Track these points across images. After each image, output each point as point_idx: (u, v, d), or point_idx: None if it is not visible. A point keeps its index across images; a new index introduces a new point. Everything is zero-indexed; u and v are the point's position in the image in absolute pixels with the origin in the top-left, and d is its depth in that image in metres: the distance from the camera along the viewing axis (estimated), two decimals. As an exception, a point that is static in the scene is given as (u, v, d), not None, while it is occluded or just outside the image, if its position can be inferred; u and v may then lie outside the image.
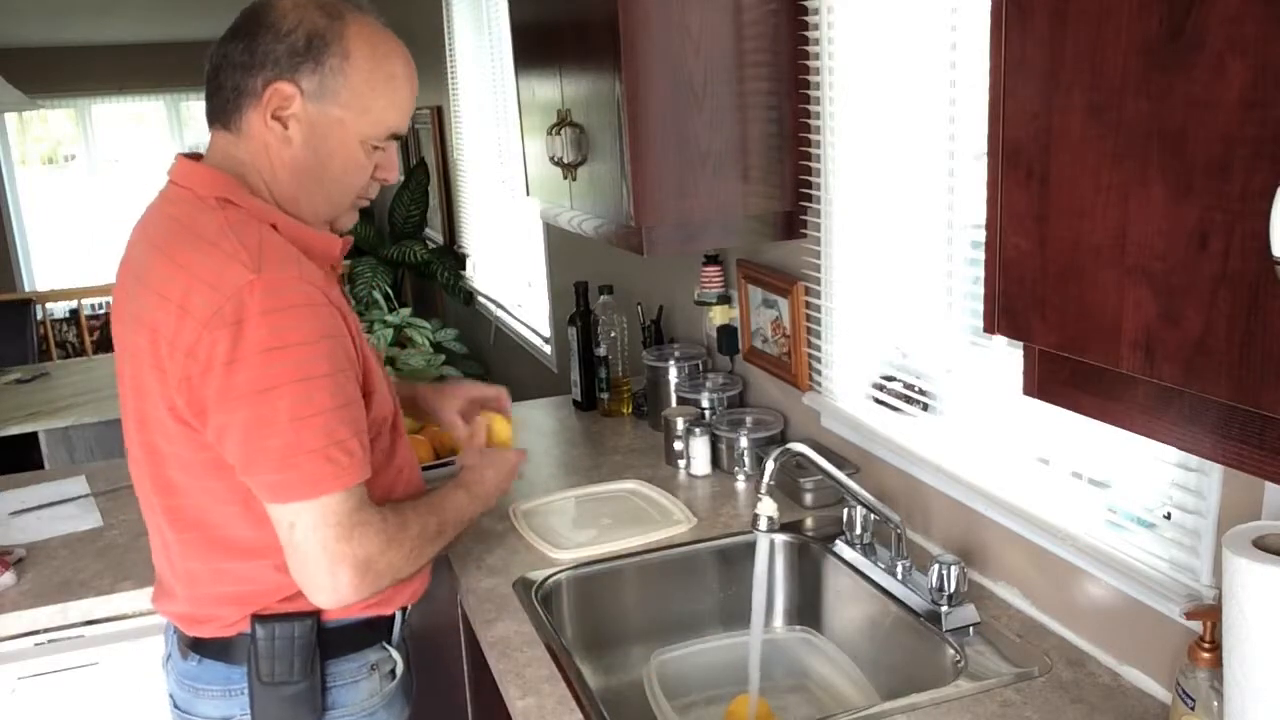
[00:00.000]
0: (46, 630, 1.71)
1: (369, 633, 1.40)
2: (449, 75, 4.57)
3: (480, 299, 4.69)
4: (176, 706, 1.40)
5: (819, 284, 1.90)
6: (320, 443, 1.18)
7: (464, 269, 4.93)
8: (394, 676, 1.44)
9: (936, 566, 1.46)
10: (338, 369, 1.20)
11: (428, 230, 5.50)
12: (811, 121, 1.84)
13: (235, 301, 1.15)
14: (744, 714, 1.50)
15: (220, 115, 1.30)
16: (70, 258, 8.16)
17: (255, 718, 1.32)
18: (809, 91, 1.82)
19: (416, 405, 1.75)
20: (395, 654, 1.44)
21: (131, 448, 1.35)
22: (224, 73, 1.27)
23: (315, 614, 1.32)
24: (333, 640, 1.35)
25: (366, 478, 1.24)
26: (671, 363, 2.28)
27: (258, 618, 1.31)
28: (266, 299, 1.16)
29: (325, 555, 1.20)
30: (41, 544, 1.91)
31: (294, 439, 1.17)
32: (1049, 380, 0.93)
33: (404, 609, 1.44)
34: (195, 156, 1.33)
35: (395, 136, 1.34)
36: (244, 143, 1.29)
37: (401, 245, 5.30)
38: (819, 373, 1.96)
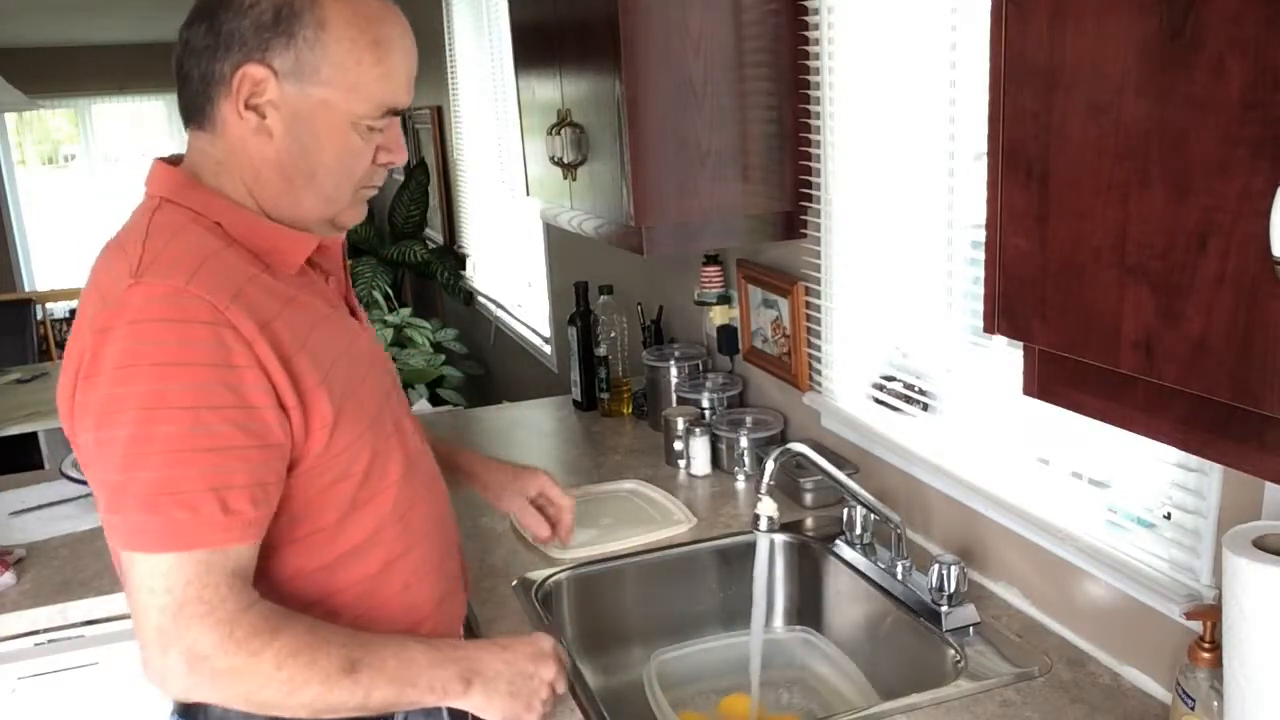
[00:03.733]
0: (46, 630, 1.71)
1: None
2: (449, 75, 4.57)
3: (480, 299, 4.69)
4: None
5: (819, 284, 1.90)
6: (148, 490, 0.97)
7: (464, 269, 4.92)
8: None
9: (936, 566, 1.46)
10: (205, 404, 0.98)
11: (428, 230, 5.50)
12: (811, 121, 1.84)
13: (110, 310, 0.99)
14: (736, 712, 1.50)
15: (192, 112, 1.11)
16: (70, 258, 8.16)
17: None
18: (809, 91, 1.82)
19: (459, 473, 1.56)
20: None
21: None
22: (188, 61, 1.08)
23: None
24: None
25: (221, 547, 0.99)
26: (671, 363, 2.28)
27: None
28: (138, 309, 0.98)
29: (150, 628, 0.99)
30: (41, 544, 1.91)
31: (125, 477, 0.97)
32: (1049, 380, 0.93)
33: None
34: (175, 160, 1.15)
35: (394, 112, 1.13)
36: (220, 140, 1.10)
37: (401, 245, 5.30)
38: (819, 373, 1.96)
